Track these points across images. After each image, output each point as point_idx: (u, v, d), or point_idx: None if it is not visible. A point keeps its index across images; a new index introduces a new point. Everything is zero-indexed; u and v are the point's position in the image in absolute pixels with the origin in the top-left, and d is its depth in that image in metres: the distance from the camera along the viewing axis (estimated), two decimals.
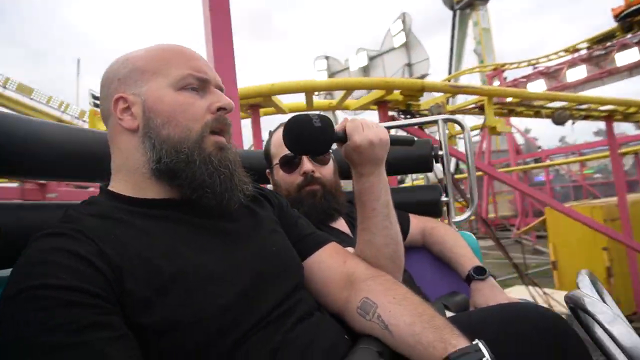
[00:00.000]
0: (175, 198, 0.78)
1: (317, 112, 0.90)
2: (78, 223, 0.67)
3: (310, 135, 0.85)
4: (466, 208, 1.87)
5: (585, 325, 0.76)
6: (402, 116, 4.23)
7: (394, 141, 0.97)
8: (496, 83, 15.76)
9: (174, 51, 0.80)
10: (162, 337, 0.61)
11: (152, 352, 0.60)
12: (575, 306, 0.73)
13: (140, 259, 0.65)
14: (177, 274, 0.66)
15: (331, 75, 20.33)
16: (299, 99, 4.35)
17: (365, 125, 0.90)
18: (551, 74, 15.35)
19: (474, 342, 0.67)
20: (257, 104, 3.74)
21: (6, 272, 0.81)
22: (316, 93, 4.46)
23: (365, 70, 19.36)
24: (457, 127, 7.30)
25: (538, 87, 15.22)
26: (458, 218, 1.70)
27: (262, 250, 0.81)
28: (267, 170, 1.40)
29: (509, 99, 5.66)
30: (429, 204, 1.67)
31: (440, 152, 1.66)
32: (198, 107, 0.77)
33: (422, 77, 15.83)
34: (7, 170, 0.89)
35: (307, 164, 1.26)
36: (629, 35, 14.34)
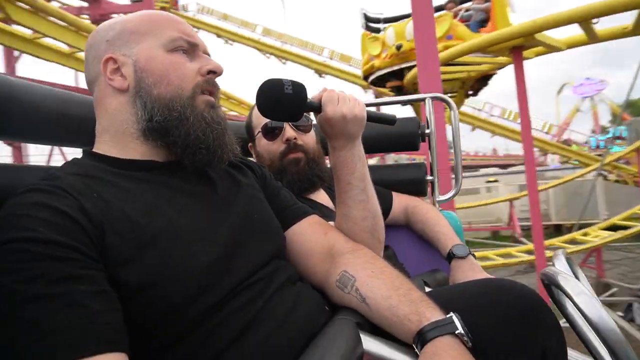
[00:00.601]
0: (159, 160, 0.79)
1: (291, 79, 0.86)
2: (58, 180, 0.67)
3: (280, 101, 0.84)
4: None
5: (557, 301, 0.78)
6: None
7: (373, 118, 0.96)
8: None
9: (163, 15, 0.83)
10: (140, 294, 0.62)
11: (131, 310, 0.61)
12: (549, 282, 0.75)
13: (122, 216, 0.66)
14: (158, 232, 0.67)
15: None
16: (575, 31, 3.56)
17: (342, 98, 0.89)
18: None
19: (447, 315, 0.68)
20: (518, 45, 3.41)
21: None
22: (594, 21, 3.45)
23: None
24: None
25: None
26: (442, 197, 1.72)
27: (242, 214, 0.82)
28: (250, 144, 1.40)
29: None
30: (414, 183, 1.67)
31: (427, 131, 1.66)
32: (189, 68, 0.80)
33: None
34: None
35: (289, 131, 1.26)
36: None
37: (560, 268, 0.87)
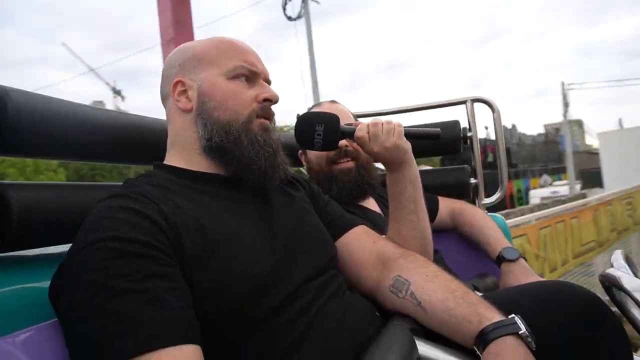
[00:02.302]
0: (222, 174, 0.85)
1: (325, 114, 1.01)
2: (138, 188, 0.74)
3: (312, 139, 0.98)
4: None
5: (619, 303, 0.75)
6: None
7: (416, 137, 1.04)
8: None
9: (230, 44, 0.88)
10: (208, 296, 0.66)
11: (199, 310, 0.64)
12: (610, 284, 0.72)
13: (193, 222, 0.70)
14: (223, 239, 0.71)
15: None
16: None
17: (375, 134, 0.96)
18: None
19: (510, 316, 0.68)
20: None
21: (54, 249, 0.86)
22: None
23: None
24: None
25: None
26: (487, 200, 1.69)
27: (296, 227, 0.85)
28: (300, 151, 1.42)
29: None
30: (458, 186, 1.65)
31: (469, 134, 1.64)
32: (246, 95, 0.85)
33: None
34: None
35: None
36: None
37: (620, 269, 0.84)
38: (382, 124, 0.97)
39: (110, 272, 0.58)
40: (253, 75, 0.87)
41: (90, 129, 0.94)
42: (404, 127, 1.00)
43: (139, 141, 1.01)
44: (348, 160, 1.28)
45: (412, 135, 1.02)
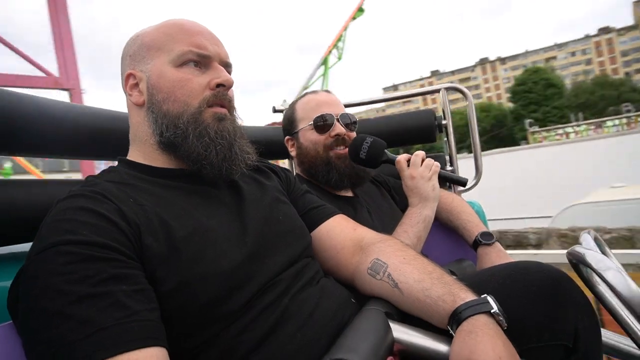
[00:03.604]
0: (184, 168, 0.82)
1: (372, 139, 1.27)
2: (98, 186, 0.71)
3: (359, 156, 1.26)
4: None
5: (586, 279, 0.77)
6: None
7: (447, 179, 1.31)
8: None
9: (177, 26, 0.82)
10: (175, 293, 0.65)
11: (167, 308, 0.64)
12: (577, 261, 0.74)
13: (156, 219, 0.69)
14: (189, 234, 0.70)
15: None
16: None
17: (425, 164, 1.24)
18: None
19: (482, 296, 0.69)
20: None
21: (22, 246, 0.85)
22: None
23: None
24: None
25: None
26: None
27: (267, 216, 0.84)
28: (287, 137, 1.44)
29: None
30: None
31: (443, 122, 1.66)
32: (196, 83, 0.80)
33: None
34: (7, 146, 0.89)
35: (338, 127, 1.34)
36: None
37: (588, 247, 0.86)
38: (423, 158, 1.23)
39: (68, 277, 0.57)
40: (204, 60, 0.81)
41: (70, 125, 0.93)
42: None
43: (120, 135, 0.98)
44: (344, 148, 1.34)
45: (442, 176, 1.27)
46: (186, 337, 0.66)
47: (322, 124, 1.35)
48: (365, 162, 1.27)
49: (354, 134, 1.39)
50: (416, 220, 1.23)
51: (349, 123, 1.38)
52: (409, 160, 1.28)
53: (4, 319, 0.66)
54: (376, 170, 1.38)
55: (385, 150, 1.27)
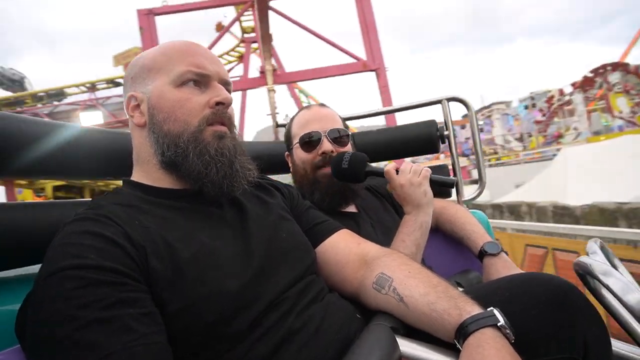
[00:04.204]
0: (187, 188, 0.82)
1: (352, 154, 1.23)
2: (103, 209, 0.71)
3: (341, 171, 1.22)
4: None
5: (594, 291, 0.76)
6: None
7: (437, 183, 1.24)
8: None
9: (176, 48, 0.84)
10: (181, 314, 0.65)
11: (174, 329, 0.64)
12: (584, 272, 0.73)
13: (161, 241, 0.69)
14: (193, 256, 0.70)
15: None
16: None
17: (404, 170, 1.18)
18: None
19: (488, 309, 0.68)
20: None
21: (31, 268, 0.85)
22: None
23: None
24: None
25: None
26: (468, 197, 1.70)
27: (271, 235, 0.84)
28: (287, 153, 1.42)
29: None
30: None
31: (445, 132, 1.66)
32: (196, 102, 0.81)
33: None
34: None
35: (326, 144, 1.28)
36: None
37: (595, 258, 0.85)
38: (411, 166, 1.18)
39: (75, 302, 0.57)
40: (203, 79, 0.83)
41: (74, 147, 0.94)
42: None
43: (124, 155, 0.99)
44: (329, 167, 1.28)
45: (433, 181, 1.23)
46: (192, 356, 0.66)
47: (308, 141, 1.30)
48: (348, 178, 1.23)
49: (346, 148, 1.33)
50: (412, 228, 1.19)
51: (338, 137, 1.31)
52: (398, 170, 1.24)
53: (12, 342, 0.66)
54: (365, 183, 1.34)
55: (369, 163, 1.24)
